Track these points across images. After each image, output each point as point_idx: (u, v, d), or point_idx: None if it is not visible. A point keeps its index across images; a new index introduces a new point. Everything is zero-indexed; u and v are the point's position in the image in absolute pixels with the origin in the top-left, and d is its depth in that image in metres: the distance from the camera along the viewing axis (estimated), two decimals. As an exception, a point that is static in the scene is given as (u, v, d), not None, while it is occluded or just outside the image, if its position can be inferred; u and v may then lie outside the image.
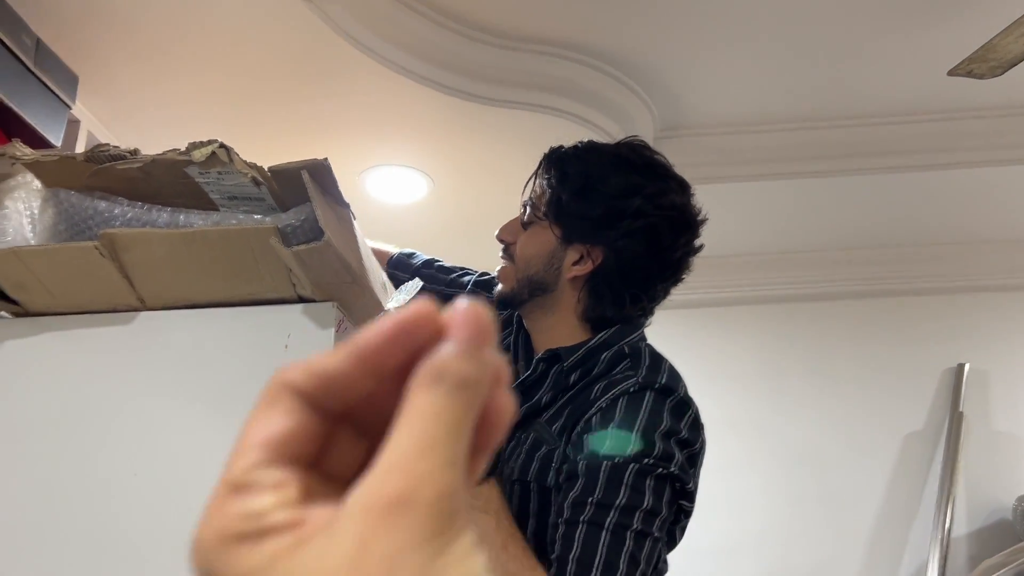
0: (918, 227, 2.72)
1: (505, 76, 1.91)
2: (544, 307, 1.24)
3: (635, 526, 1.01)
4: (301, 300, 1.21)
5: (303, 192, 1.15)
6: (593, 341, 1.18)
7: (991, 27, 1.73)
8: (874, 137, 2.33)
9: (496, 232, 1.25)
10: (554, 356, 1.21)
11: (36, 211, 1.26)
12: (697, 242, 1.21)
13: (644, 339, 1.21)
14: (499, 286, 1.26)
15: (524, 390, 1.22)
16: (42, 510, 1.12)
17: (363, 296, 1.31)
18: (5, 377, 1.21)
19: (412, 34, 1.74)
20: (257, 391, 1.03)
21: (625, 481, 1.03)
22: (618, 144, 1.25)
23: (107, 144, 1.17)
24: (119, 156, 1.17)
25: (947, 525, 2.62)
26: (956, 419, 2.79)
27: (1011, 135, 2.24)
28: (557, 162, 1.24)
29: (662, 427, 1.08)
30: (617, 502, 1.02)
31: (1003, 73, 1.72)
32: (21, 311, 1.26)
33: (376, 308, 1.39)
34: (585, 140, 1.25)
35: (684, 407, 1.11)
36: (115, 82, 1.80)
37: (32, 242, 1.24)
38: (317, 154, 2.05)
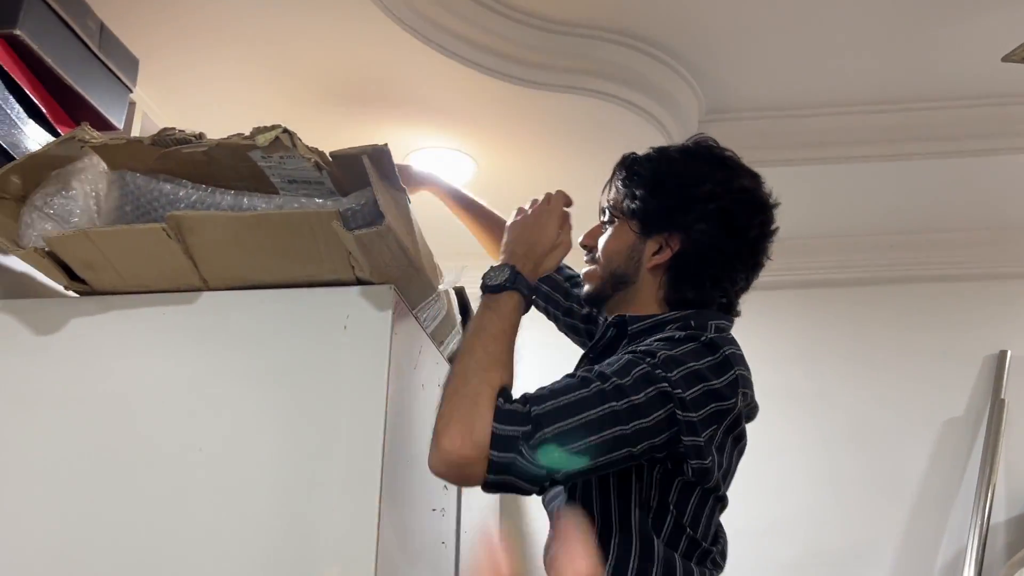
0: (962, 212, 2.70)
1: (551, 60, 1.92)
2: (628, 299, 1.29)
3: (614, 404, 1.04)
4: (359, 282, 1.24)
5: (362, 176, 1.17)
6: (664, 315, 1.23)
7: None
8: (921, 122, 2.30)
9: (579, 239, 1.33)
10: (621, 321, 1.27)
11: (102, 193, 1.30)
12: (772, 225, 1.26)
13: (720, 327, 1.22)
14: (585, 287, 1.34)
15: (595, 357, 1.28)
16: (109, 484, 1.17)
17: (418, 278, 1.34)
18: (74, 354, 1.25)
19: (461, 18, 1.76)
20: (316, 371, 1.07)
21: (632, 372, 1.07)
22: (686, 142, 1.33)
23: (173, 128, 1.20)
24: (184, 140, 1.20)
25: (986, 511, 2.62)
26: (997, 406, 2.77)
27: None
28: (629, 165, 1.31)
29: (695, 366, 1.10)
30: (612, 378, 1.07)
31: (1058, 59, 1.70)
32: (88, 289, 1.30)
33: (429, 289, 1.42)
34: (655, 147, 1.33)
35: (726, 365, 1.13)
36: (170, 63, 1.84)
37: (98, 222, 1.27)
38: (364, 137, 2.09)
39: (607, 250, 1.30)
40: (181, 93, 1.95)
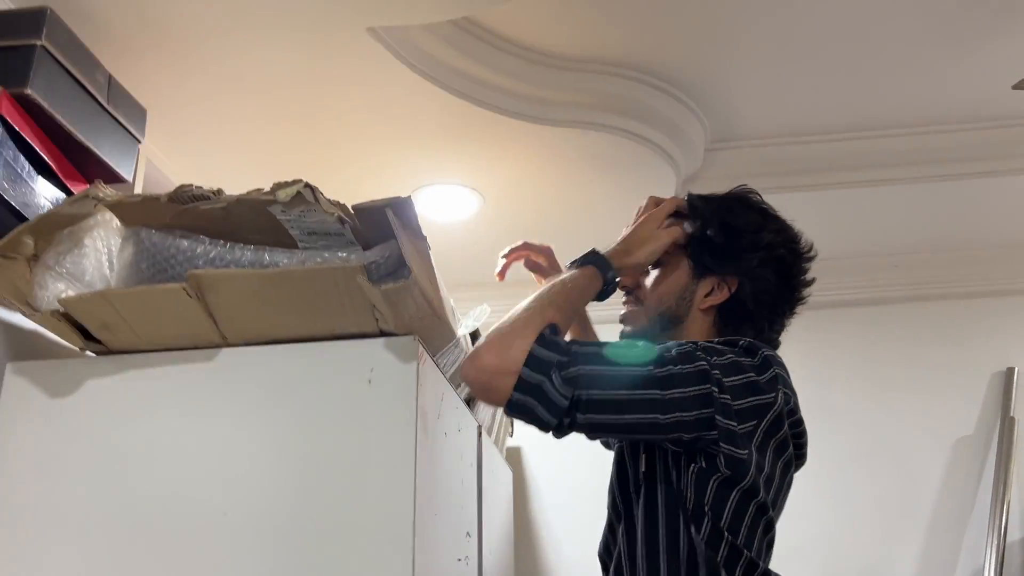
0: (967, 232, 2.70)
1: (559, 96, 1.92)
2: (674, 337, 1.29)
3: (654, 368, 1.07)
4: (383, 334, 1.22)
5: (384, 228, 1.16)
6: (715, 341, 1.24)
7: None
8: (924, 146, 2.32)
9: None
10: None
11: (115, 250, 1.28)
12: (810, 275, 1.32)
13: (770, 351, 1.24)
14: (627, 328, 1.34)
15: None
16: (131, 548, 1.14)
17: (439, 326, 1.32)
18: (91, 414, 1.23)
19: (470, 57, 1.75)
20: (341, 425, 1.05)
21: (675, 349, 1.10)
22: (723, 193, 1.36)
23: (190, 185, 1.19)
24: (202, 196, 1.17)
25: (1002, 530, 2.61)
26: (1008, 423, 2.77)
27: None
28: (686, 205, 1.34)
29: (735, 359, 1.13)
30: (657, 348, 1.10)
31: (1066, 84, 1.71)
32: (103, 349, 1.27)
33: (449, 336, 1.40)
34: (690, 193, 1.36)
35: (765, 364, 1.16)
36: (175, 109, 1.83)
37: (111, 280, 1.25)
38: (370, 174, 2.09)
39: (658, 290, 1.31)
40: (186, 139, 1.94)
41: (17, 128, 1.26)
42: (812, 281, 1.33)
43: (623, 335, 1.34)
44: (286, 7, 1.55)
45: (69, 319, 1.20)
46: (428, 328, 1.26)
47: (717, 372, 1.08)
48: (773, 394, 1.13)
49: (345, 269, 1.12)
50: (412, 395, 1.18)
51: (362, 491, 1.13)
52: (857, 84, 2.12)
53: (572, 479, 2.64)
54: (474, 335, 1.62)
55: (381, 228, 1.17)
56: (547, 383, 1.03)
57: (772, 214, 1.33)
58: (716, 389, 1.07)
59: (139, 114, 1.56)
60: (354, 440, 1.16)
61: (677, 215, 1.33)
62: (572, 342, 1.09)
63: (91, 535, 1.15)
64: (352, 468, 1.15)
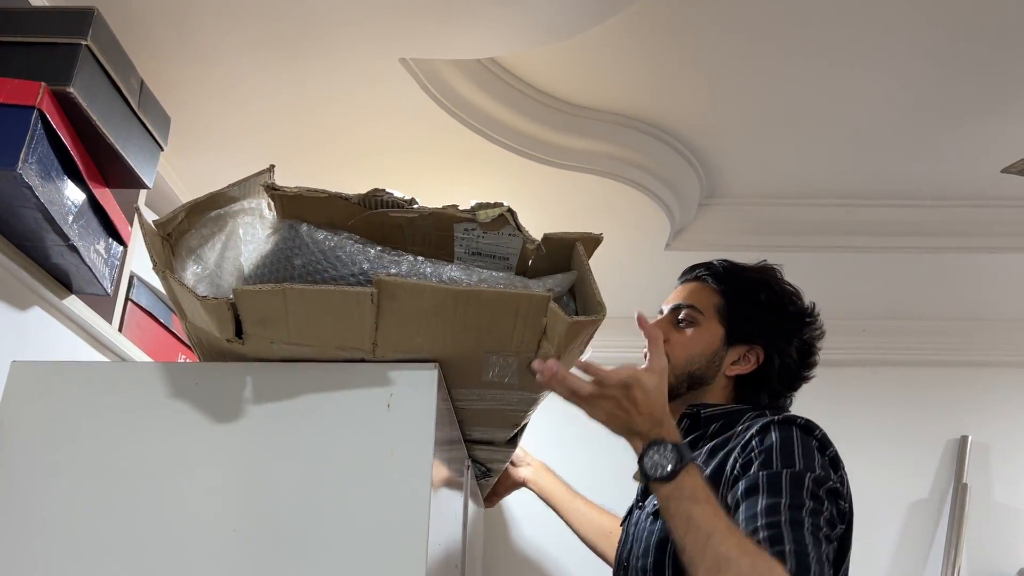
0: (933, 302, 2.81)
1: (572, 141, 1.97)
2: (696, 396, 1.37)
3: (823, 528, 1.13)
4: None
5: (561, 259, 1.18)
6: (740, 406, 1.31)
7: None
8: (903, 218, 2.42)
9: None
10: (695, 412, 1.37)
11: (261, 239, 1.22)
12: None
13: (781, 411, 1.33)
14: None
15: None
16: (132, 559, 1.12)
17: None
18: (97, 418, 1.19)
19: (496, 98, 1.79)
20: (362, 442, 1.03)
21: (807, 487, 1.15)
22: (757, 266, 1.47)
23: (382, 189, 1.17)
24: (394, 203, 1.16)
25: (952, 594, 2.68)
26: (960, 490, 2.86)
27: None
28: (721, 272, 1.43)
29: (813, 453, 1.20)
30: (806, 505, 1.13)
31: (1049, 173, 1.82)
32: (240, 352, 1.20)
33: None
34: (722, 259, 1.46)
35: (827, 443, 1.26)
36: (194, 121, 1.82)
37: (245, 269, 1.19)
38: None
39: (689, 351, 1.36)
40: (201, 152, 1.93)
41: (54, 125, 1.25)
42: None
43: None
44: (319, 31, 1.57)
45: (234, 309, 1.14)
46: (574, 356, 1.23)
47: (836, 483, 1.19)
48: (839, 478, 1.24)
49: (533, 296, 1.10)
50: (432, 422, 1.19)
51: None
52: (843, 155, 2.21)
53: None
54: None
55: (550, 258, 1.18)
56: None
57: (796, 293, 1.43)
58: (840, 499, 1.20)
59: (164, 121, 1.55)
60: (376, 457, 1.16)
61: (703, 277, 1.40)
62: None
63: (88, 541, 1.12)
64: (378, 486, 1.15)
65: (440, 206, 1.14)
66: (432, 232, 1.17)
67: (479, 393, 1.29)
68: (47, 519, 1.13)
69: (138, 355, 1.68)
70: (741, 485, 1.17)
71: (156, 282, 1.83)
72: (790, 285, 1.44)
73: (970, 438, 2.96)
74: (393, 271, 1.12)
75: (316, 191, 1.15)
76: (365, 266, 1.12)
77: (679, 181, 2.16)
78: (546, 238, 1.15)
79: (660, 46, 1.79)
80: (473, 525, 1.81)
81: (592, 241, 1.15)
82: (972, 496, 2.87)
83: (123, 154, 1.42)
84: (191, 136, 1.85)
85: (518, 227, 1.13)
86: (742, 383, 1.37)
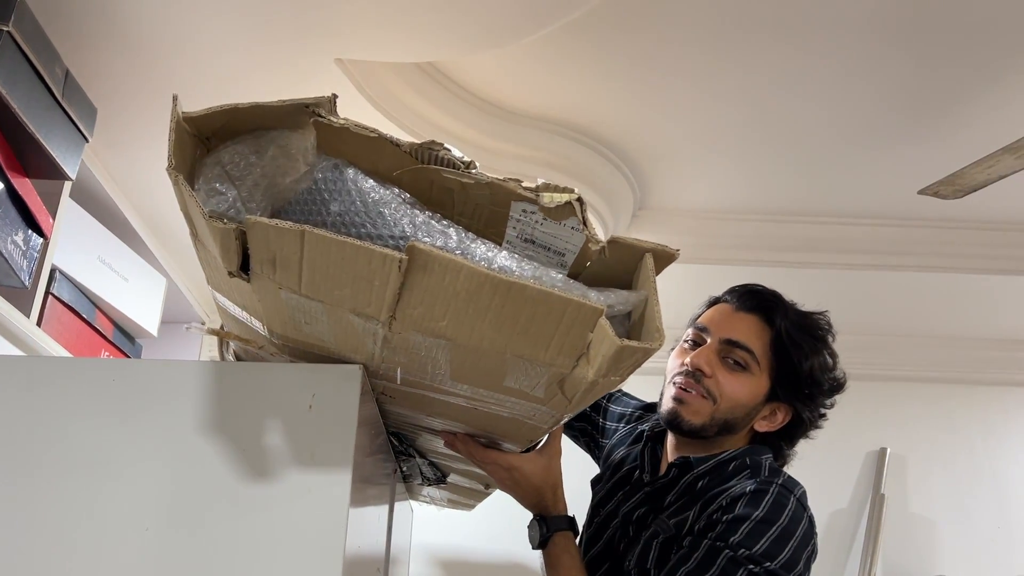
0: (855, 318, 2.90)
1: (506, 147, 1.99)
2: (712, 444, 1.31)
3: None
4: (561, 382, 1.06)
5: (622, 270, 1.03)
6: (724, 455, 1.28)
7: (957, 154, 1.91)
8: (831, 235, 2.50)
9: (690, 359, 1.28)
10: (686, 463, 1.29)
11: (298, 172, 1.02)
12: None
13: (773, 468, 1.30)
14: (686, 416, 1.28)
15: (653, 492, 1.31)
16: (43, 557, 1.09)
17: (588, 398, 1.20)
18: (16, 414, 1.16)
19: (429, 101, 1.80)
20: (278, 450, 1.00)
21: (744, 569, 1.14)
22: (816, 320, 1.38)
23: (440, 143, 1.00)
24: (451, 163, 0.99)
25: (867, 601, 2.77)
26: (878, 500, 2.96)
27: (955, 246, 2.45)
28: (783, 315, 1.33)
29: (789, 531, 1.20)
30: None
31: (963, 197, 1.90)
32: (241, 292, 1.04)
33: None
34: (780, 297, 1.38)
35: (800, 510, 1.25)
36: (124, 113, 1.78)
37: (275, 200, 1.03)
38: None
39: (737, 399, 1.28)
40: (129, 142, 1.89)
41: (-30, 112, 1.22)
42: None
43: (672, 417, 1.30)
44: (253, 23, 1.55)
45: (243, 239, 0.96)
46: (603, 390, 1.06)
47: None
48: (814, 539, 1.29)
49: (582, 306, 0.92)
50: (353, 425, 1.18)
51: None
52: (773, 172, 2.28)
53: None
54: None
55: (610, 266, 1.02)
56: None
57: (833, 351, 1.37)
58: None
59: (90, 112, 1.52)
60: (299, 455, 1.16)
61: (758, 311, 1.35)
62: None
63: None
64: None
65: (501, 177, 0.98)
66: (486, 205, 1.00)
67: (497, 398, 1.15)
68: (-52, 516, 1.09)
69: (57, 350, 1.63)
70: (687, 540, 1.17)
71: (80, 276, 1.79)
72: (832, 346, 1.36)
73: (888, 450, 3.06)
74: (439, 243, 0.95)
75: (365, 128, 0.99)
76: (408, 230, 0.96)
77: (611, 191, 2.19)
78: (613, 241, 0.99)
79: (596, 58, 1.82)
80: (400, 528, 1.81)
81: (666, 257, 1.00)
82: (889, 506, 2.97)
83: (45, 144, 1.38)
84: (120, 129, 1.81)
85: (584, 221, 0.97)
86: (763, 441, 1.33)
